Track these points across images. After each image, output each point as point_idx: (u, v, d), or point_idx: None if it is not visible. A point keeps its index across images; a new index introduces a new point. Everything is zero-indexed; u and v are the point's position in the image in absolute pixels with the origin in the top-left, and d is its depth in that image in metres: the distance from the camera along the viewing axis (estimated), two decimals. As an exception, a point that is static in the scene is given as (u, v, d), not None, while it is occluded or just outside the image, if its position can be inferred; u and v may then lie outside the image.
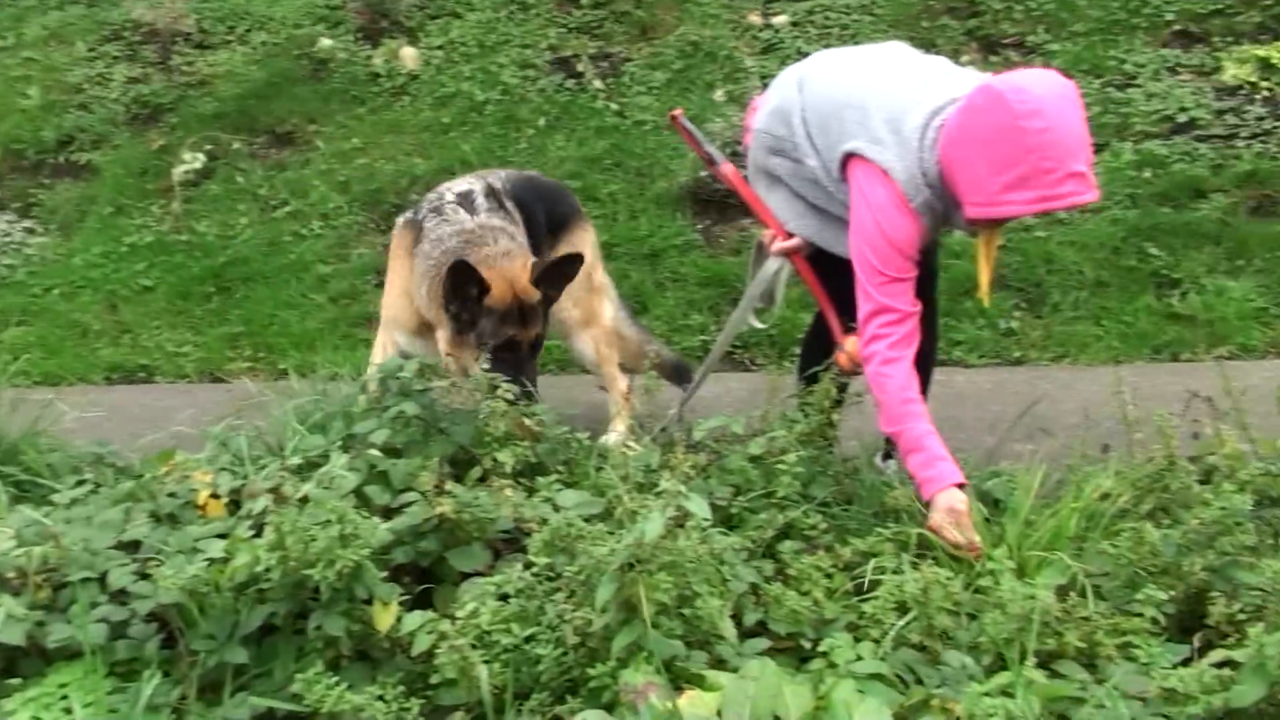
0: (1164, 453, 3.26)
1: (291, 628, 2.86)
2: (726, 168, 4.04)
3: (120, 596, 2.88)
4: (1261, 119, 6.62)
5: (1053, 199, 3.06)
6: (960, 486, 3.27)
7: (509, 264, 3.97)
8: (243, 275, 6.93)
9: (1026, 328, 5.69)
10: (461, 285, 3.83)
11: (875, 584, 3.00)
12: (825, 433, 3.69)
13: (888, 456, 4.02)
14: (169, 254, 7.24)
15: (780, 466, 3.29)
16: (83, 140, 8.32)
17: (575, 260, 4.13)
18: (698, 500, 2.44)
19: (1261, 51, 6.91)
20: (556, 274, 4.07)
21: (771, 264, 3.92)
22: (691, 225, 6.63)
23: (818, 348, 3.94)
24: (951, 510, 3.20)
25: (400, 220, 4.44)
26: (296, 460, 3.28)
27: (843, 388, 3.80)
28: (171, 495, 3.27)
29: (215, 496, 3.29)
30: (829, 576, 3.04)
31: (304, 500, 3.03)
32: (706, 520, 2.51)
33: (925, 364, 3.94)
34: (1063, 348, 5.53)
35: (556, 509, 3.09)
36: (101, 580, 2.92)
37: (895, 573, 3.00)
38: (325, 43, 8.53)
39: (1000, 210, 3.13)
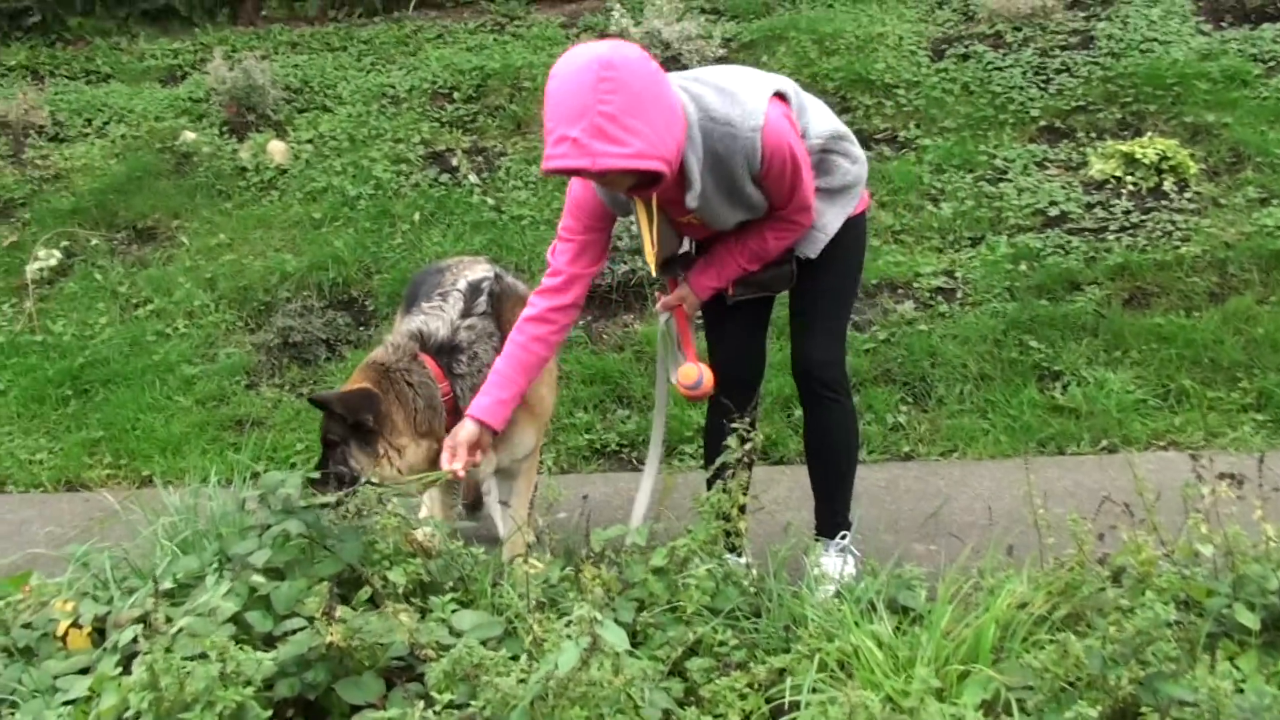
0: (1077, 558, 3.19)
1: (165, 774, 2.61)
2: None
3: (-32, 748, 2.60)
4: (1129, 213, 6.76)
5: (546, 158, 3.23)
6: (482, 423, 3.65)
7: None
8: (102, 377, 6.62)
9: (914, 422, 5.65)
10: None
11: (794, 705, 2.86)
12: (733, 541, 3.56)
13: (732, 549, 3.94)
14: (22, 355, 6.89)
15: (689, 580, 3.14)
16: (-74, 237, 7.95)
17: None
18: (613, 628, 2.28)
19: (1125, 147, 7.08)
20: None
21: (660, 319, 4.05)
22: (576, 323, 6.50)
23: (717, 436, 3.83)
24: (453, 438, 3.65)
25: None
26: (167, 584, 3.03)
27: (745, 489, 3.69)
28: (27, 626, 2.98)
29: (77, 626, 3.01)
30: (743, 698, 2.89)
31: (178, 631, 2.79)
32: (622, 650, 2.34)
33: None
34: (951, 442, 5.50)
35: (453, 632, 2.89)
36: (-53, 729, 2.64)
37: (813, 692, 2.86)
38: (189, 136, 8.30)
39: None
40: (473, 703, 2.42)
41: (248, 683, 2.40)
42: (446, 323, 3.92)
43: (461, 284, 4.07)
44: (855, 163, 3.77)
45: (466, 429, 3.66)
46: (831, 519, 4.02)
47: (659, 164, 3.25)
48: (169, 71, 9.35)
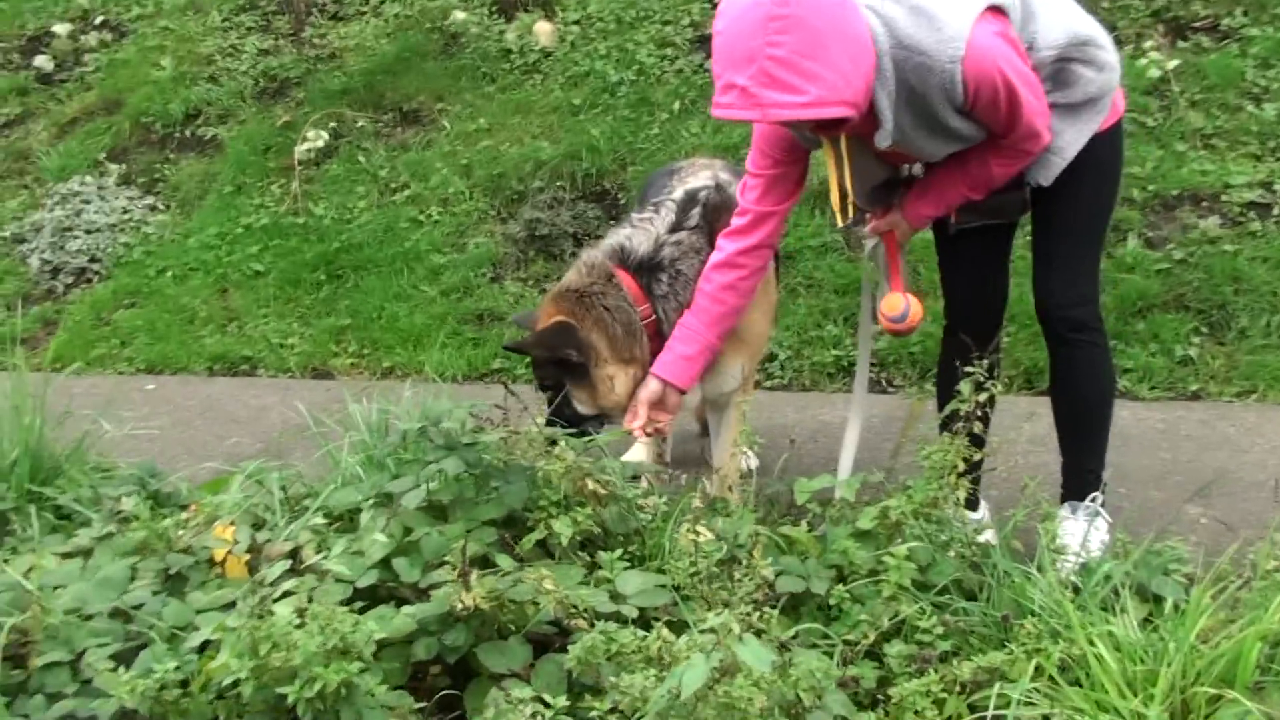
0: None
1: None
2: None
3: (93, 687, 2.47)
4: None
5: (715, 106, 2.88)
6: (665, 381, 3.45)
7: None
8: (355, 263, 6.61)
9: (1207, 356, 4.96)
10: None
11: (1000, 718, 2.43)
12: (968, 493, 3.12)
13: (969, 504, 3.47)
14: (284, 237, 6.96)
15: (889, 557, 2.73)
16: (210, 114, 8.12)
17: None
18: (754, 646, 1.91)
19: None
20: None
21: (868, 245, 3.64)
22: (830, 225, 6.03)
23: (950, 378, 3.37)
24: (635, 399, 3.47)
25: None
26: (318, 520, 2.84)
27: (978, 442, 3.20)
28: (185, 550, 2.85)
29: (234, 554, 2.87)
30: (939, 704, 2.48)
31: (322, 574, 2.60)
32: (765, 670, 1.96)
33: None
34: (1249, 381, 4.79)
35: (614, 597, 2.59)
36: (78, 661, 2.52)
37: (1028, 705, 2.42)
38: (458, 15, 8.12)
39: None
40: (597, 708, 2.11)
41: (356, 659, 2.15)
42: (650, 238, 3.59)
43: (679, 193, 3.72)
44: (1102, 70, 3.14)
45: (649, 387, 3.45)
46: (1079, 478, 3.51)
47: (841, 109, 2.80)
48: (447, -52, 9.21)
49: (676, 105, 6.95)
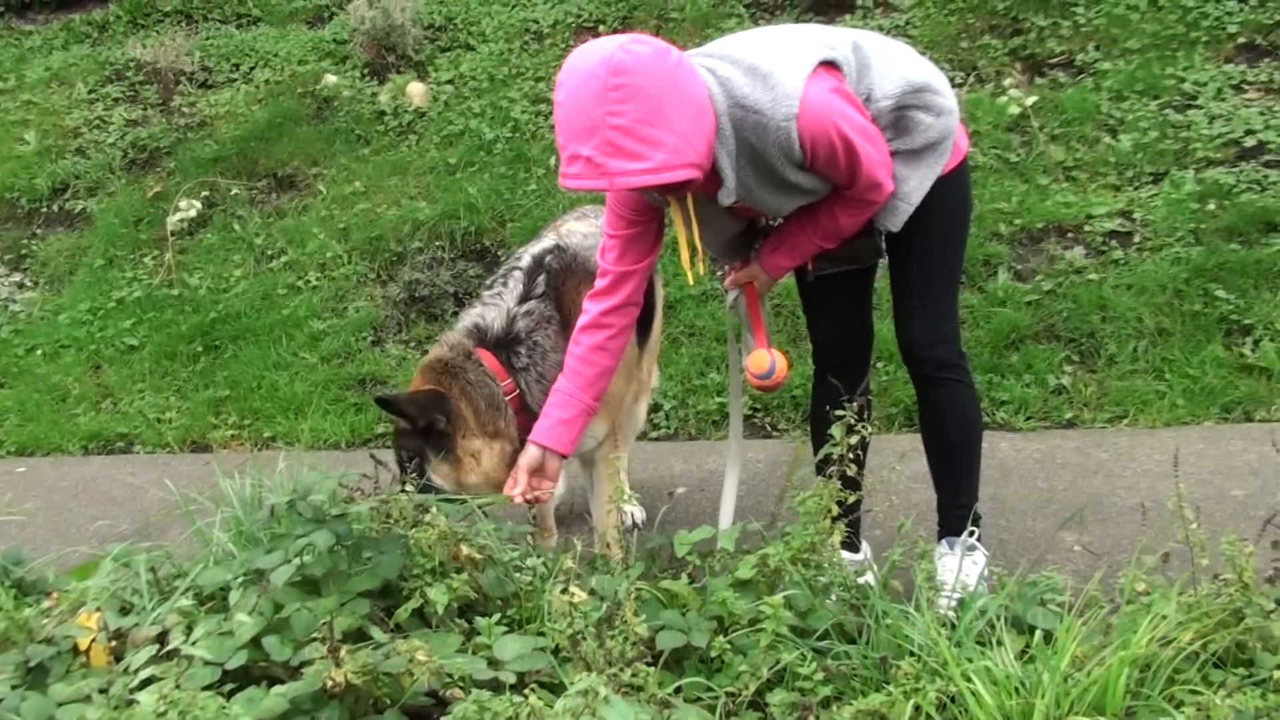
0: (1238, 584, 2.66)
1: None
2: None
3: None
4: (1341, 141, 5.95)
5: (562, 176, 2.87)
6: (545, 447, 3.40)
7: None
8: (232, 333, 6.49)
9: (1079, 384, 5.07)
10: None
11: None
12: (848, 537, 3.15)
13: (849, 545, 3.53)
14: (158, 310, 6.82)
15: (765, 606, 2.73)
16: (78, 187, 7.98)
17: None
18: (621, 708, 1.89)
19: (1339, 66, 6.25)
20: None
21: (729, 297, 3.66)
22: (711, 273, 6.08)
23: (823, 421, 3.39)
24: (516, 466, 3.41)
25: None
26: (187, 602, 2.76)
27: (854, 484, 3.23)
28: (47, 641, 2.76)
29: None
30: (821, 751, 2.48)
31: (190, 658, 2.53)
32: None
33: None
34: (1120, 407, 4.90)
35: (492, 663, 2.55)
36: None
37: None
38: (330, 79, 8.10)
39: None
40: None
41: (222, 743, 2.10)
42: (502, 312, 3.60)
43: (525, 260, 3.72)
44: (940, 115, 3.19)
45: (528, 454, 3.40)
46: (953, 514, 3.55)
47: (687, 171, 2.82)
48: (316, 13, 9.17)
49: (552, 160, 6.96)
